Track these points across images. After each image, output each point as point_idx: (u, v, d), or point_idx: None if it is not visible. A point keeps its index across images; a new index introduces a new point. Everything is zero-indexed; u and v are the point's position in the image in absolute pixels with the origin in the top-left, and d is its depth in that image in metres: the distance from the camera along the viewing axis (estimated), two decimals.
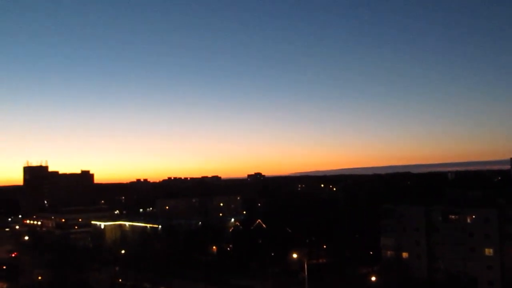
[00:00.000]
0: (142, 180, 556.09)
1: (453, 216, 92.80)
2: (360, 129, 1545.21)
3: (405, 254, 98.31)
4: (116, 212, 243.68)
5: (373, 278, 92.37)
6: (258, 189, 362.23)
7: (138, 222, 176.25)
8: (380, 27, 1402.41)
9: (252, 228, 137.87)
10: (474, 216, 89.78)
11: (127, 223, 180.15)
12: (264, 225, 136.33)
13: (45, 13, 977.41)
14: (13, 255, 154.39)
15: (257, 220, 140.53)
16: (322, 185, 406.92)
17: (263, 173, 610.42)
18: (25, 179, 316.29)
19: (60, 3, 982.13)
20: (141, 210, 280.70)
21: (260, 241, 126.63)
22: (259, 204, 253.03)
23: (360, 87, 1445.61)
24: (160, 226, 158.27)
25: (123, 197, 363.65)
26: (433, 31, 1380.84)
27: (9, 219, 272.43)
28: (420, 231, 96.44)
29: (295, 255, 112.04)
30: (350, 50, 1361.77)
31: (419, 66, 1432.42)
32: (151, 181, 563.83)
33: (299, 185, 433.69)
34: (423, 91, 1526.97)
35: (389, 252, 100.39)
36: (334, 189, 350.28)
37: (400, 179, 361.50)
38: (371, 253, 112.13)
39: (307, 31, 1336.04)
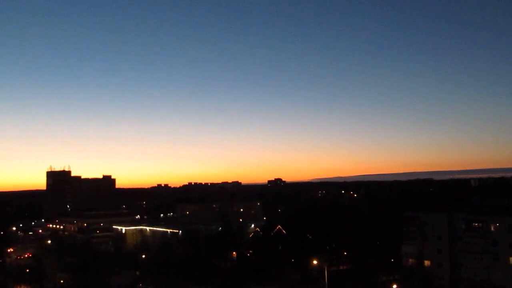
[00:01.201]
0: (162, 185, 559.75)
1: (476, 224, 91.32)
2: (382, 136, 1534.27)
3: (427, 262, 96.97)
4: (137, 217, 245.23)
5: (395, 286, 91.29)
6: (278, 195, 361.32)
7: (158, 227, 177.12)
8: (398, 33, 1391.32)
9: (272, 234, 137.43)
10: (498, 224, 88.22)
11: (147, 228, 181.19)
12: (284, 231, 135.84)
13: (75, 26, 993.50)
14: (27, 255, 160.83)
15: (277, 226, 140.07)
16: (343, 191, 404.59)
17: (283, 179, 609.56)
18: (48, 184, 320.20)
19: (88, 15, 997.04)
20: (161, 215, 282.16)
21: (280, 247, 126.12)
22: (279, 210, 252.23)
23: (382, 94, 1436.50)
24: (180, 231, 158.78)
25: (144, 202, 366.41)
26: (453, 36, 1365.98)
27: (33, 223, 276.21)
28: (442, 239, 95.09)
29: (315, 262, 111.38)
30: (372, 58, 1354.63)
31: (442, 72, 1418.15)
32: (172, 186, 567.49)
33: (319, 191, 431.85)
34: (446, 97, 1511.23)
35: (410, 260, 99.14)
36: (355, 195, 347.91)
37: (421, 186, 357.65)
38: (392, 260, 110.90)
39: (330, 39, 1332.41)
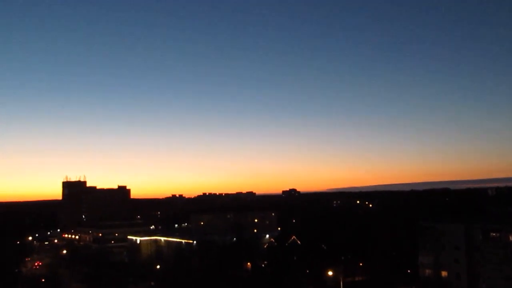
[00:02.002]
0: (177, 195, 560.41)
1: (494, 234, 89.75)
2: (398, 145, 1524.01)
3: (444, 273, 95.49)
4: (151, 227, 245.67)
5: None
6: (293, 205, 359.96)
7: (173, 237, 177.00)
8: (413, 38, 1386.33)
9: (287, 244, 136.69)
10: None
11: (162, 238, 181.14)
12: (299, 242, 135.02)
13: (93, 40, 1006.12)
14: (36, 263, 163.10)
15: (292, 237, 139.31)
16: (358, 201, 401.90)
17: (298, 189, 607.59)
18: (64, 194, 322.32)
19: (103, 23, 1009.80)
20: (176, 225, 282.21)
21: (295, 258, 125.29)
22: (293, 221, 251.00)
23: (398, 103, 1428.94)
24: (194, 242, 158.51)
25: (159, 212, 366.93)
26: (470, 45, 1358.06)
27: (48, 233, 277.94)
28: (460, 249, 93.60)
29: (330, 273, 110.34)
30: (386, 67, 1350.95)
31: (458, 80, 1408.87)
32: (186, 196, 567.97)
33: (334, 201, 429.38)
34: (463, 106, 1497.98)
35: (427, 271, 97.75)
36: (370, 205, 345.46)
37: (438, 196, 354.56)
38: (408, 271, 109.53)
39: (345, 46, 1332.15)
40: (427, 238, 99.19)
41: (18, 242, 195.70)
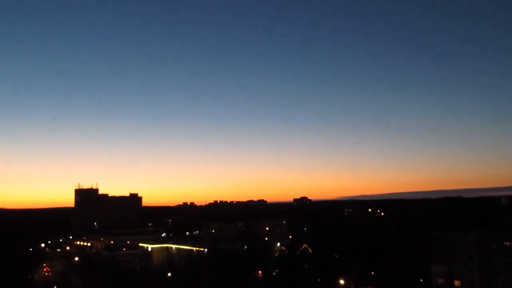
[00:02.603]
0: (188, 203, 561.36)
1: (508, 243, 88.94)
2: (409, 152, 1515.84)
3: (457, 282, 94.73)
4: (163, 235, 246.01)
5: None
6: (304, 213, 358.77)
7: (184, 245, 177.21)
8: (423, 47, 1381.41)
9: (298, 253, 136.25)
10: None
11: (173, 246, 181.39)
12: (310, 250, 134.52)
13: (105, 48, 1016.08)
14: (45, 270, 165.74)
15: (303, 245, 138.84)
16: (369, 210, 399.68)
17: (309, 197, 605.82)
18: (76, 201, 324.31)
19: (115, 35, 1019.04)
20: (187, 233, 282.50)
21: (306, 266, 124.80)
22: (305, 229, 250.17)
23: (410, 111, 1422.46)
24: (206, 250, 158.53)
25: (170, 220, 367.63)
26: (484, 53, 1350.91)
27: (61, 240, 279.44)
28: (472, 258, 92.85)
29: (342, 281, 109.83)
30: (396, 75, 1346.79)
31: (470, 89, 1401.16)
32: (198, 204, 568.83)
33: (346, 210, 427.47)
34: (476, 114, 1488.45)
35: (440, 280, 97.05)
36: (382, 213, 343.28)
37: (450, 204, 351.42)
38: (421, 280, 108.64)
39: (349, 55, 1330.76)
40: (440, 247, 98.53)
41: (31, 249, 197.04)
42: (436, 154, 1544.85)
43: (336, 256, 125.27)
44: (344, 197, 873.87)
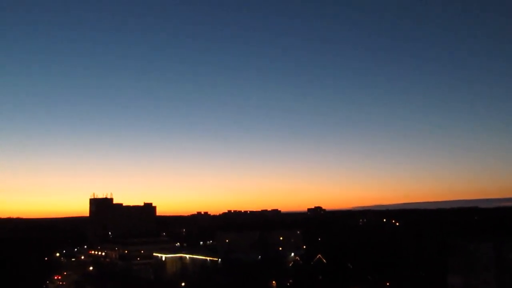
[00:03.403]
0: (202, 212, 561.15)
1: None
2: (424, 162, 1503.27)
3: None
4: (177, 244, 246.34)
5: None
6: (319, 223, 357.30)
7: (198, 255, 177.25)
8: (436, 52, 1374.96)
9: (312, 263, 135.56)
10: None
11: (187, 256, 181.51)
12: (324, 260, 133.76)
13: (118, 58, 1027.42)
14: (56, 277, 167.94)
15: (317, 255, 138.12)
16: (384, 220, 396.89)
17: (323, 207, 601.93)
18: (91, 211, 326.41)
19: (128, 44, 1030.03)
20: (201, 242, 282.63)
21: (321, 277, 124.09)
22: (319, 239, 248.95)
23: (425, 118, 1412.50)
24: (219, 259, 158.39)
25: (184, 230, 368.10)
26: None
27: (75, 249, 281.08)
28: (489, 270, 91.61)
29: None
30: (412, 83, 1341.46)
31: (487, 95, 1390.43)
32: (211, 213, 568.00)
33: (360, 219, 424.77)
34: (491, 123, 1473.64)
35: None
36: (397, 223, 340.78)
37: (466, 214, 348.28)
38: None
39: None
40: (456, 258, 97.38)
41: (46, 258, 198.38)
42: (452, 163, 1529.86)
43: (351, 266, 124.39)
44: (359, 206, 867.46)
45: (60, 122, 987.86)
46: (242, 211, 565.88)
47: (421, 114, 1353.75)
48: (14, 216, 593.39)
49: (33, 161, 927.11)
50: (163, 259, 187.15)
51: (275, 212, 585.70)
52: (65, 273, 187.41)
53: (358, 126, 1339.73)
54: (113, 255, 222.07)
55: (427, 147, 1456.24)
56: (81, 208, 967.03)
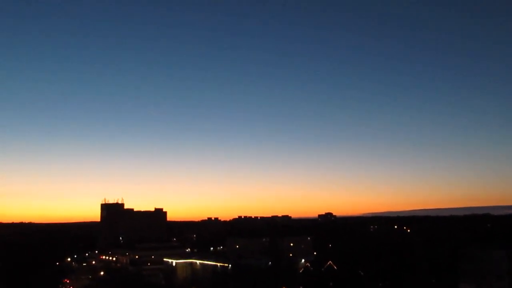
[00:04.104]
0: (213, 218, 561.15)
1: None
2: (436, 169, 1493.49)
3: None
4: (187, 250, 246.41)
5: None
6: (329, 229, 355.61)
7: (208, 261, 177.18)
8: (449, 57, 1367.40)
9: (323, 269, 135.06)
10: None
11: (198, 261, 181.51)
12: (335, 267, 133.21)
13: (126, 62, 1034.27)
14: (65, 281, 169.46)
15: (328, 262, 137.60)
16: (395, 226, 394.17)
17: (334, 213, 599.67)
18: (102, 216, 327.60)
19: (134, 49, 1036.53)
20: (211, 248, 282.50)
21: (331, 284, 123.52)
22: (330, 245, 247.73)
23: (437, 125, 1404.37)
24: (230, 265, 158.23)
25: (194, 235, 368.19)
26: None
27: (87, 254, 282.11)
28: (503, 277, 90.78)
29: None
30: (421, 90, 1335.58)
31: (501, 103, 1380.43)
32: (222, 219, 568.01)
33: (371, 226, 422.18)
34: (504, 129, 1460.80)
35: None
36: (408, 230, 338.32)
37: (479, 221, 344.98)
38: None
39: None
40: (468, 265, 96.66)
41: (58, 263, 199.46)
42: (464, 170, 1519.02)
43: (362, 273, 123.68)
44: (369, 213, 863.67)
45: (73, 129, 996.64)
46: (253, 217, 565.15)
47: (433, 122, 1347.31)
48: (26, 221, 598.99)
49: (45, 167, 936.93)
50: (174, 264, 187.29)
51: (286, 218, 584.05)
52: (74, 277, 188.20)
53: (369, 133, 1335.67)
54: (124, 260, 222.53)
55: (439, 154, 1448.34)
56: (93, 213, 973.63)
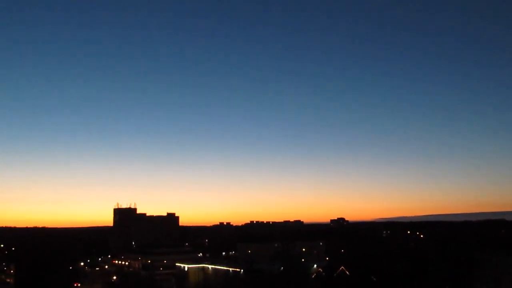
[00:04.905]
0: (225, 223, 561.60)
1: None
2: (448, 173, 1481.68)
3: None
4: (199, 255, 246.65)
5: None
6: (341, 234, 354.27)
7: (220, 266, 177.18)
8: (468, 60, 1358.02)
9: (335, 275, 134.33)
10: None
11: (209, 266, 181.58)
12: (347, 272, 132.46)
13: (142, 69, 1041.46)
14: (75, 284, 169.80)
15: (340, 267, 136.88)
16: (408, 232, 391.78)
17: (346, 218, 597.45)
18: (115, 220, 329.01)
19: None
20: (223, 253, 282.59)
21: None
22: (342, 250, 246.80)
23: (448, 129, 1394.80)
24: (242, 270, 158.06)
25: (206, 240, 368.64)
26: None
27: (99, 259, 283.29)
28: None
29: None
30: (436, 95, 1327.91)
31: None
32: (234, 224, 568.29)
33: (384, 231, 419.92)
34: None
35: None
36: (421, 236, 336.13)
37: (493, 227, 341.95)
38: None
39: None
40: (483, 272, 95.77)
41: (71, 267, 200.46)
42: (479, 175, 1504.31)
43: (375, 279, 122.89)
44: (382, 218, 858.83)
45: (85, 134, 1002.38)
46: (265, 222, 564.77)
47: (447, 126, 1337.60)
48: (40, 225, 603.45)
49: (58, 172, 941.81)
50: (186, 269, 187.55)
51: (298, 223, 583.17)
52: (87, 281, 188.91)
53: (382, 137, 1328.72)
54: (136, 265, 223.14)
55: (453, 158, 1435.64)
56: (105, 218, 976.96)
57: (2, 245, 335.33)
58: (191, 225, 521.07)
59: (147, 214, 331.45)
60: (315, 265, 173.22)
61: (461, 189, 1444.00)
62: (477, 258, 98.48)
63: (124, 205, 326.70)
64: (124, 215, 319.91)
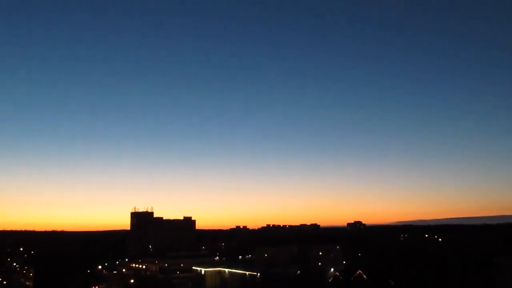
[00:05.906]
0: (241, 227, 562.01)
1: None
2: (468, 176, 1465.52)
3: None
4: (216, 258, 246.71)
5: None
6: (358, 238, 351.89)
7: (237, 269, 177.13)
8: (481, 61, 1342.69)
9: (352, 279, 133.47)
10: None
11: (226, 270, 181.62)
12: (365, 276, 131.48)
13: (148, 75, 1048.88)
14: (93, 287, 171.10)
15: (357, 271, 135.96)
16: (426, 235, 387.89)
17: (363, 222, 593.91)
18: (132, 224, 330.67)
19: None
20: (240, 256, 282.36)
21: None
22: (359, 254, 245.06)
23: (467, 131, 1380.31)
24: (258, 274, 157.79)
25: (223, 244, 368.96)
26: None
27: (117, 262, 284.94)
28: None
29: None
30: (456, 99, 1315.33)
31: None
32: (250, 228, 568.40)
33: (402, 235, 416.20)
34: None
35: None
36: (440, 239, 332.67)
37: None
38: None
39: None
40: (503, 276, 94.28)
41: (89, 271, 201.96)
42: (498, 177, 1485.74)
43: (392, 283, 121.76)
44: (400, 221, 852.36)
45: (102, 138, 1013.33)
46: (281, 225, 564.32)
47: (466, 129, 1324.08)
48: (59, 229, 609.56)
49: (76, 176, 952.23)
50: (203, 273, 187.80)
51: (314, 226, 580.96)
52: (105, 285, 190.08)
53: (400, 140, 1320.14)
54: (153, 268, 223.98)
55: (471, 161, 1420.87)
56: (123, 222, 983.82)
57: (21, 249, 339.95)
58: (207, 228, 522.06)
59: (164, 218, 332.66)
60: (332, 269, 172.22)
61: (480, 192, 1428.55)
62: (497, 262, 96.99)
63: (141, 209, 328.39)
64: (141, 219, 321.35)
